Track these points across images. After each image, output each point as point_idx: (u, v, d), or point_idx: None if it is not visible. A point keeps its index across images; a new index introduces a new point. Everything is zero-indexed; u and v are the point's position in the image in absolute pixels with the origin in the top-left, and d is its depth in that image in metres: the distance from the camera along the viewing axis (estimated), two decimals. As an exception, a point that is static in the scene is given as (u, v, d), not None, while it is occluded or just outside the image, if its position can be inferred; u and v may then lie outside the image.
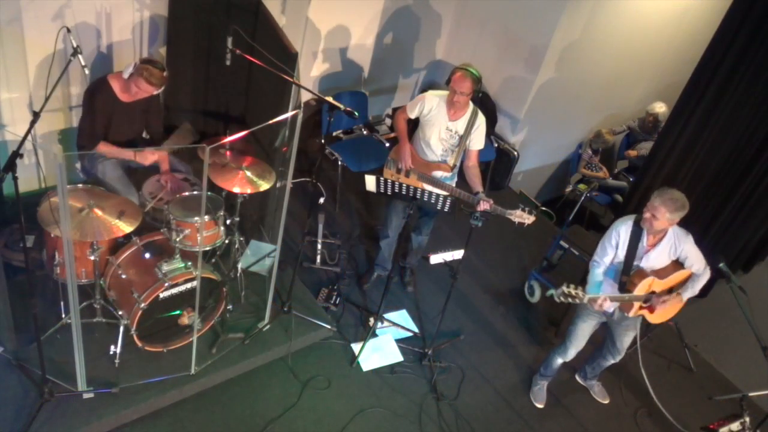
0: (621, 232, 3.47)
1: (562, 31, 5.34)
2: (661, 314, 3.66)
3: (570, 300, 3.29)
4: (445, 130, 3.90)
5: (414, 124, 4.11)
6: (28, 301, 3.01)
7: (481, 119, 3.93)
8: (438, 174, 4.00)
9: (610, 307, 3.43)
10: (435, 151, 3.97)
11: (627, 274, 3.49)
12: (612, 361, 3.99)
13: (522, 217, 3.73)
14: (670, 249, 3.49)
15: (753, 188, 4.60)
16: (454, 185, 4.03)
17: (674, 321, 4.79)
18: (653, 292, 3.55)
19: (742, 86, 4.28)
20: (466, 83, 3.70)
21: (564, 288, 3.29)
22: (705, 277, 3.61)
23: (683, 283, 3.62)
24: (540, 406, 4.15)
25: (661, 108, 6.16)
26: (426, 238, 4.42)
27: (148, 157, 3.74)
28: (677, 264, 3.57)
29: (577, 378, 4.34)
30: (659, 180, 4.76)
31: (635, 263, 3.49)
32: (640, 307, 3.58)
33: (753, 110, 4.29)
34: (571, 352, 3.89)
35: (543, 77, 5.58)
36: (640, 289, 3.47)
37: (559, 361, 3.99)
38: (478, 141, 3.95)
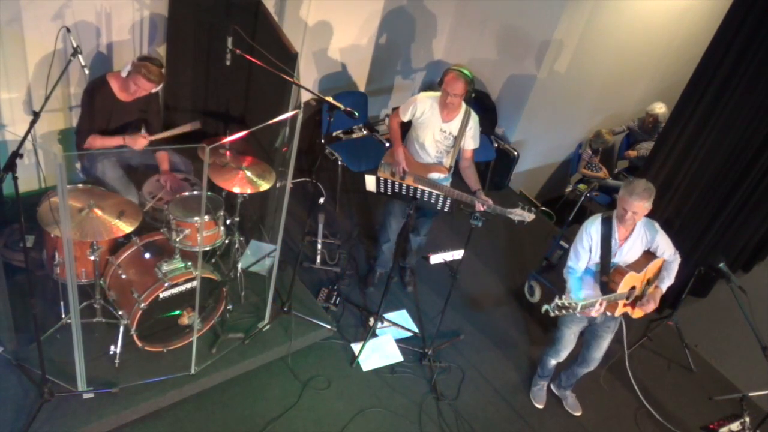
0: (592, 233, 3.43)
1: (562, 31, 5.34)
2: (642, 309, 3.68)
3: (565, 312, 3.22)
4: (439, 131, 3.89)
5: (407, 126, 4.09)
6: (28, 301, 3.01)
7: (475, 119, 3.91)
8: (434, 176, 3.99)
9: (601, 310, 3.42)
10: (429, 152, 3.96)
11: (606, 274, 3.45)
12: (587, 370, 3.94)
13: (522, 215, 3.72)
14: (642, 239, 3.49)
15: (753, 188, 4.59)
16: (449, 186, 4.01)
17: (674, 321, 4.80)
18: (633, 287, 3.54)
19: (742, 86, 4.28)
20: (459, 84, 3.68)
21: (557, 300, 3.21)
22: (677, 262, 3.60)
23: (658, 272, 3.62)
24: (540, 406, 4.14)
25: (661, 109, 6.17)
26: (424, 239, 4.42)
27: (139, 140, 3.67)
28: (649, 254, 3.57)
29: (552, 387, 4.24)
30: (660, 180, 4.76)
31: (612, 260, 3.47)
32: (624, 305, 3.56)
33: (753, 110, 4.28)
34: (563, 354, 3.90)
35: (543, 77, 5.59)
36: (623, 286, 3.44)
37: (553, 362, 3.99)
38: (472, 140, 3.94)
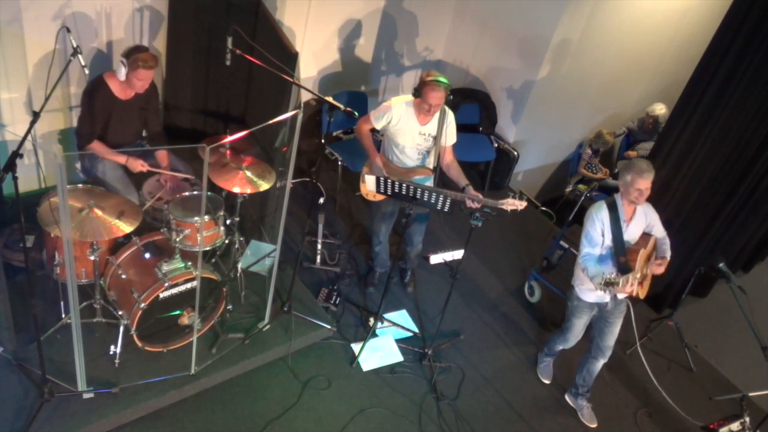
0: (602, 218, 3.56)
1: (563, 31, 5.34)
2: (647, 285, 3.78)
3: (610, 288, 3.38)
4: (418, 135, 3.85)
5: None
6: (28, 301, 3.01)
7: (451, 115, 3.88)
8: (419, 178, 3.95)
9: (635, 285, 3.54)
10: (411, 156, 3.93)
11: (624, 255, 3.55)
12: (602, 361, 3.94)
13: (514, 204, 3.66)
14: (643, 220, 3.66)
15: (753, 188, 4.60)
16: (432, 185, 3.94)
17: (674, 321, 4.80)
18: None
19: (742, 86, 4.29)
20: (439, 95, 3.62)
21: (605, 276, 3.36)
22: (668, 238, 3.79)
23: (654, 249, 3.77)
24: (547, 381, 4.24)
25: (661, 110, 6.17)
26: (420, 246, 4.41)
27: (137, 166, 3.72)
28: (645, 234, 3.71)
29: (567, 398, 4.22)
30: (660, 180, 4.76)
31: (625, 239, 3.60)
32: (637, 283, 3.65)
33: (753, 110, 4.29)
34: (572, 342, 3.98)
35: (543, 77, 5.59)
36: (639, 263, 3.54)
37: (560, 347, 4.07)
38: (450, 136, 3.91)
